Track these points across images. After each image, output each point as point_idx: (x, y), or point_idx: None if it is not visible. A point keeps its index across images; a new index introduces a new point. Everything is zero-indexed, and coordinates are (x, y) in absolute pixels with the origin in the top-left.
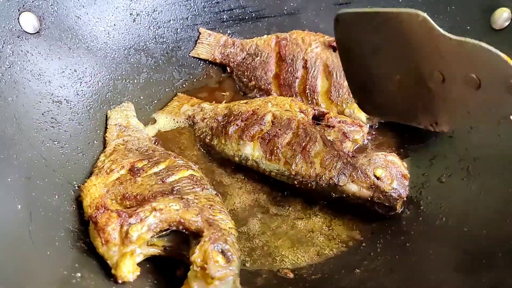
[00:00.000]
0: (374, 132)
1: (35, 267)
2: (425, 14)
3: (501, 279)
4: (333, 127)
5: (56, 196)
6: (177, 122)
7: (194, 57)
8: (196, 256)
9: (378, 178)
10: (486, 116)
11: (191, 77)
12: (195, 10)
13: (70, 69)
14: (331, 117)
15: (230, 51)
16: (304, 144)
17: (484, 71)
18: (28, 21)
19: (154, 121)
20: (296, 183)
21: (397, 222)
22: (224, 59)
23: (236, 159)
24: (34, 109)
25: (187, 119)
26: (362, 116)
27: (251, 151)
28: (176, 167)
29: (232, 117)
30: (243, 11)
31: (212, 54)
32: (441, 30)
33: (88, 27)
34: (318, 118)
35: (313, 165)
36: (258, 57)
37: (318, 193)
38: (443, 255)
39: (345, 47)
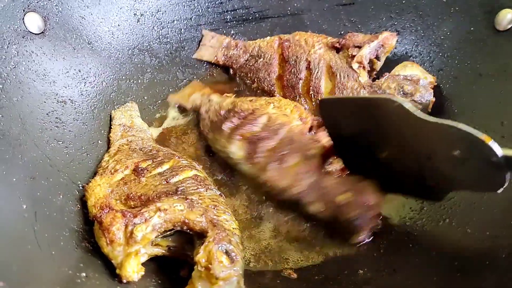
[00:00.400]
0: None
1: (40, 267)
2: (399, 100)
3: (504, 281)
4: (319, 142)
5: (61, 196)
6: (178, 119)
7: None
8: (200, 256)
9: (341, 204)
10: (475, 190)
11: (195, 77)
12: (199, 11)
13: (75, 69)
14: (323, 131)
15: (233, 53)
16: (283, 153)
17: (465, 149)
18: (33, 22)
19: (158, 122)
20: (265, 190)
21: (400, 223)
22: (227, 61)
23: (222, 155)
24: (38, 109)
25: (193, 108)
26: None
27: (236, 150)
28: (180, 167)
29: (232, 113)
30: (246, 11)
31: (215, 56)
32: (418, 113)
33: (93, 28)
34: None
35: (284, 176)
36: (261, 59)
37: (282, 205)
38: (446, 256)
39: (331, 126)
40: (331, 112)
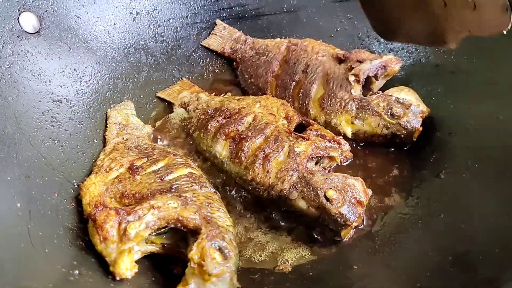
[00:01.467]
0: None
1: (33, 265)
2: None
3: (497, 275)
4: (307, 139)
5: (56, 195)
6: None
7: (195, 49)
8: (193, 253)
9: (328, 200)
10: (484, 32)
11: (191, 75)
12: (195, 9)
13: (70, 69)
14: (311, 130)
15: (240, 47)
16: (268, 151)
17: None
18: (28, 21)
19: (154, 120)
20: (250, 188)
21: (395, 219)
22: (233, 54)
23: (207, 154)
24: (34, 108)
25: (181, 105)
26: (348, 130)
27: (221, 149)
28: (175, 165)
29: (218, 112)
30: (242, 9)
31: (222, 47)
32: None
33: (88, 27)
34: (303, 128)
35: (269, 174)
36: (264, 57)
37: (269, 202)
38: (440, 251)
39: None
40: None
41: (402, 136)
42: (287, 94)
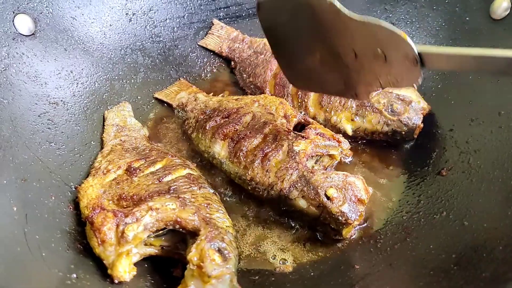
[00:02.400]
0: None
1: (30, 269)
2: None
3: (501, 272)
4: (307, 138)
5: (53, 198)
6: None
7: (192, 49)
8: (192, 255)
9: (328, 198)
10: (395, 85)
11: (188, 75)
12: (191, 9)
13: (66, 71)
14: (311, 128)
15: (238, 46)
16: (267, 151)
17: (386, 46)
18: (23, 23)
19: (152, 121)
20: (249, 188)
21: (397, 217)
22: (231, 54)
23: (206, 155)
24: (30, 111)
25: (179, 105)
26: (348, 128)
27: (219, 149)
28: (173, 166)
29: (216, 112)
30: (239, 8)
31: (220, 47)
32: (346, 11)
33: (84, 28)
34: (302, 127)
35: (268, 173)
36: (262, 56)
37: (269, 202)
38: (443, 249)
39: (269, 29)
40: (269, 14)
41: (403, 133)
42: (286, 92)
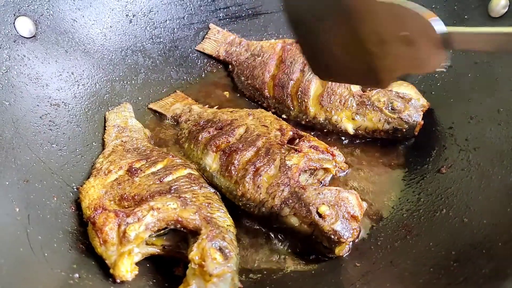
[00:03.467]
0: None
1: (32, 269)
2: None
3: (501, 268)
4: (300, 151)
5: (55, 198)
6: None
7: (198, 51)
8: (194, 254)
9: (320, 216)
10: (419, 69)
11: (189, 76)
12: (191, 9)
13: (67, 72)
14: (304, 141)
15: (235, 50)
16: (259, 165)
17: (411, 29)
18: (24, 26)
19: (153, 121)
20: (241, 205)
21: (397, 215)
22: (228, 57)
23: (197, 167)
24: (32, 113)
25: (173, 117)
26: (349, 127)
27: (211, 162)
28: (174, 166)
29: (210, 124)
30: (239, 8)
31: (217, 51)
32: None
33: (85, 30)
34: (295, 141)
35: (259, 189)
36: (260, 58)
37: (261, 219)
38: (443, 246)
39: (293, 18)
40: (293, 3)
41: (404, 130)
42: (285, 93)
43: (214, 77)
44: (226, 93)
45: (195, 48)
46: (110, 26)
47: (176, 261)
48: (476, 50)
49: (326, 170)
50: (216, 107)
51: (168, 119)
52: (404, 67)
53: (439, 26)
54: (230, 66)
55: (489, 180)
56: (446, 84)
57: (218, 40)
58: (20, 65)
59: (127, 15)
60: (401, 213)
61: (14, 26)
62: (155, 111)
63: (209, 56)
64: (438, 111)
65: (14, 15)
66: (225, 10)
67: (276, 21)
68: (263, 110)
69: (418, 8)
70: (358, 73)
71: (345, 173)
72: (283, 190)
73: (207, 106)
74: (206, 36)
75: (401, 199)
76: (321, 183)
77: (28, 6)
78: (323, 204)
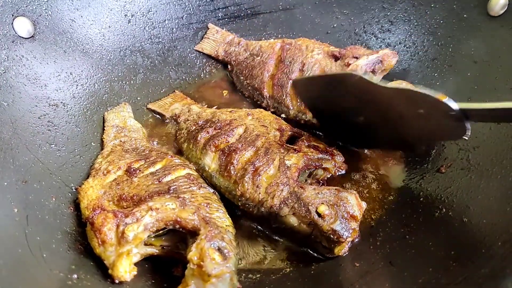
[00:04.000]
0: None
1: (31, 270)
2: (359, 73)
3: (500, 268)
4: (299, 151)
5: (53, 199)
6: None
7: (197, 51)
8: (192, 254)
9: (319, 215)
10: (444, 138)
11: (188, 76)
12: (190, 9)
13: (66, 72)
14: (303, 140)
15: (234, 49)
16: (258, 165)
17: (427, 108)
18: (23, 26)
19: (152, 122)
20: (240, 204)
21: (396, 214)
22: (227, 57)
23: (196, 167)
24: (30, 113)
25: (172, 117)
26: None
27: (210, 162)
28: (173, 167)
29: (209, 124)
30: (238, 8)
31: (216, 51)
32: (377, 82)
33: (83, 30)
34: (294, 140)
35: (259, 189)
36: (259, 57)
37: (259, 220)
38: (442, 246)
39: (308, 102)
40: (305, 90)
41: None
42: (284, 92)
43: (213, 77)
44: (225, 93)
45: (194, 48)
46: (109, 26)
47: (174, 261)
48: (494, 122)
49: (325, 169)
50: (215, 107)
51: (167, 119)
52: (427, 137)
53: (452, 104)
54: (229, 66)
55: (489, 180)
56: (445, 83)
57: (217, 40)
58: (19, 66)
59: (125, 15)
60: (400, 213)
61: (13, 27)
62: (154, 111)
63: (208, 56)
64: None
65: (13, 15)
66: (224, 10)
67: (275, 20)
68: (262, 110)
69: (428, 91)
70: (390, 142)
71: (343, 172)
72: (282, 190)
73: (206, 106)
74: (205, 36)
75: (400, 199)
76: (320, 182)
77: (26, 7)
78: (323, 203)
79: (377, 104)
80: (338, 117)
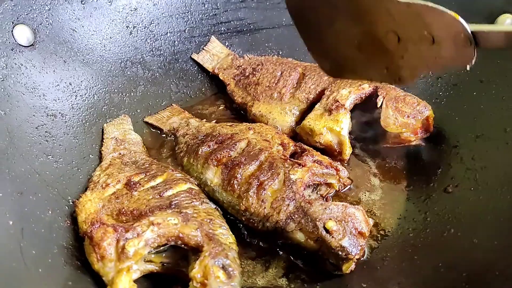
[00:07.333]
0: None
1: (26, 285)
2: None
3: None
4: (303, 166)
5: (50, 212)
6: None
7: (193, 63)
8: (195, 272)
9: (327, 231)
10: (444, 68)
11: (188, 90)
12: (193, 23)
13: (65, 82)
14: (307, 155)
15: (231, 66)
16: (263, 179)
17: (435, 28)
18: (22, 34)
19: (153, 135)
20: (244, 219)
21: (404, 235)
22: (222, 73)
23: (197, 182)
24: (27, 123)
25: (170, 130)
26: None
27: (212, 176)
28: (174, 181)
29: (210, 138)
30: (240, 23)
31: (211, 65)
32: None
33: (84, 40)
34: (297, 155)
35: (264, 203)
36: (255, 77)
37: (264, 235)
38: (453, 268)
39: (299, 18)
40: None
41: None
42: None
43: (214, 90)
44: (224, 107)
45: (191, 56)
46: (110, 37)
47: (175, 279)
48: (504, 48)
49: (329, 185)
50: (214, 121)
51: (165, 133)
52: (426, 66)
53: (466, 25)
54: (227, 88)
55: (498, 200)
56: (451, 102)
57: (216, 54)
58: (17, 74)
59: (127, 27)
60: (407, 233)
61: (12, 34)
62: (151, 125)
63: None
64: (443, 129)
65: (13, 23)
66: (227, 24)
67: (278, 36)
68: (263, 124)
69: (442, 8)
70: (375, 70)
71: (347, 188)
72: (288, 205)
73: (204, 120)
74: (205, 48)
75: (407, 218)
76: (324, 198)
77: (27, 15)
78: (330, 219)
79: (377, 21)
80: (328, 38)
